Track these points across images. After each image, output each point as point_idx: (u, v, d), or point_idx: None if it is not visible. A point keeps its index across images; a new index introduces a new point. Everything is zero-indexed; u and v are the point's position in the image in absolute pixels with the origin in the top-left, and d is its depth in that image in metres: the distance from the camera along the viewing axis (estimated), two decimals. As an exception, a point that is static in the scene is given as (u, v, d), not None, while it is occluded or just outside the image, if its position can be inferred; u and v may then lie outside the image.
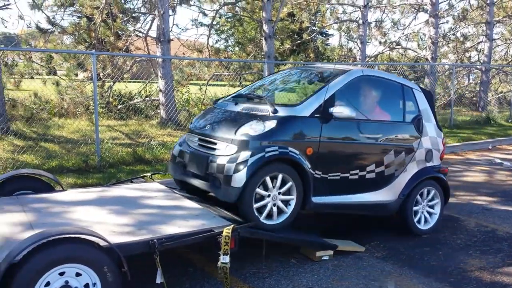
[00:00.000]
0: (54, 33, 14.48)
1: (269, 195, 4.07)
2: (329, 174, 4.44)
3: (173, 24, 11.57)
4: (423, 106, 5.22)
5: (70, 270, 2.91)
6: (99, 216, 3.85)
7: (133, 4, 17.46)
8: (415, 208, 5.10)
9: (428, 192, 5.22)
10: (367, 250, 4.69)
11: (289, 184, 4.14)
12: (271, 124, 4.15)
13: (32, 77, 12.71)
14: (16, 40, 14.71)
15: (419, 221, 5.15)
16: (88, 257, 2.94)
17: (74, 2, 13.67)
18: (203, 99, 12.08)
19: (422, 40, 19.96)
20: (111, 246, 3.07)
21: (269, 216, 4.12)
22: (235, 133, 4.18)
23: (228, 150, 4.16)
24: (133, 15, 13.49)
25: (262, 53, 13.67)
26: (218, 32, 27.74)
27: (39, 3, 12.54)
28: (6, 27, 37.61)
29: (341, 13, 18.30)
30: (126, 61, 13.20)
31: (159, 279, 3.36)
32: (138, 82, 13.48)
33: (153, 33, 11.74)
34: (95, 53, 7.55)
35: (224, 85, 14.96)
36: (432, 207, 5.29)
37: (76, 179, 6.58)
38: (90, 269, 2.95)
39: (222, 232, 3.59)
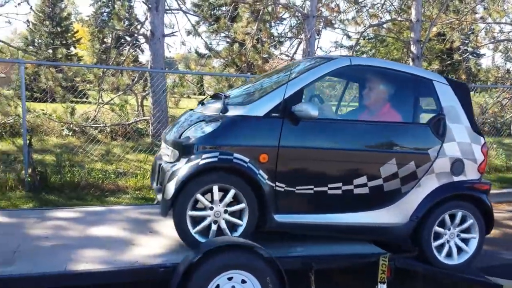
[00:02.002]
0: (207, 57, 15.93)
1: (211, 208, 3.44)
2: (297, 187, 3.59)
3: (317, 47, 11.85)
4: (448, 103, 4.05)
5: (237, 276, 3.15)
6: (257, 229, 4.09)
7: (277, 30, 18.33)
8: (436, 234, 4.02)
9: (455, 216, 4.04)
10: (538, 295, 4.17)
11: (241, 203, 3.46)
12: (215, 126, 3.51)
13: (189, 97, 14.06)
14: (177, 64, 16.52)
15: (443, 253, 4.03)
16: (254, 266, 3.15)
17: (225, 28, 14.91)
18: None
19: None
20: (273, 258, 3.24)
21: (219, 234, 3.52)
22: (180, 137, 3.65)
23: (172, 156, 3.67)
24: (280, 40, 14.17)
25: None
26: (359, 53, 27.55)
27: (197, 29, 13.97)
28: (170, 51, 42.43)
29: (498, 32, 16.82)
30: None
31: (312, 297, 3.44)
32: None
33: (298, 56, 12.21)
34: (250, 76, 8.16)
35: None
36: (465, 237, 4.11)
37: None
38: (254, 278, 3.15)
39: (378, 259, 3.55)
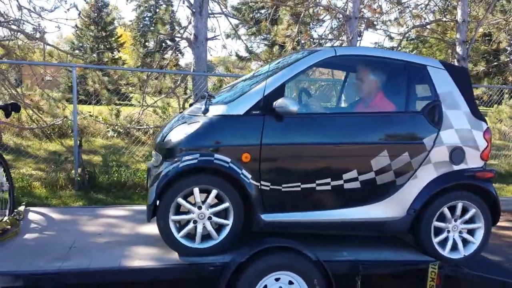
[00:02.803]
0: (246, 60, 16.10)
1: (198, 211, 3.39)
2: (283, 185, 3.48)
3: (359, 49, 11.69)
4: (444, 89, 3.82)
5: (284, 278, 3.19)
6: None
7: (316, 32, 18.28)
8: (436, 225, 3.78)
9: (457, 207, 3.80)
10: None
11: (225, 203, 3.39)
12: (195, 127, 3.44)
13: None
14: (215, 67, 16.76)
15: (444, 246, 3.79)
16: (302, 268, 3.19)
17: (266, 31, 14.99)
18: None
19: None
20: (320, 261, 3.25)
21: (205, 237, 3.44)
22: (163, 140, 3.59)
23: (156, 160, 3.64)
24: (320, 42, 14.10)
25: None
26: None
27: (237, 32, 14.10)
28: (211, 55, 42.88)
29: (548, 32, 16.09)
30: (311, 86, 13.85)
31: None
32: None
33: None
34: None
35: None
36: (470, 229, 3.88)
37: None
38: (301, 280, 3.19)
39: (427, 267, 3.50)
